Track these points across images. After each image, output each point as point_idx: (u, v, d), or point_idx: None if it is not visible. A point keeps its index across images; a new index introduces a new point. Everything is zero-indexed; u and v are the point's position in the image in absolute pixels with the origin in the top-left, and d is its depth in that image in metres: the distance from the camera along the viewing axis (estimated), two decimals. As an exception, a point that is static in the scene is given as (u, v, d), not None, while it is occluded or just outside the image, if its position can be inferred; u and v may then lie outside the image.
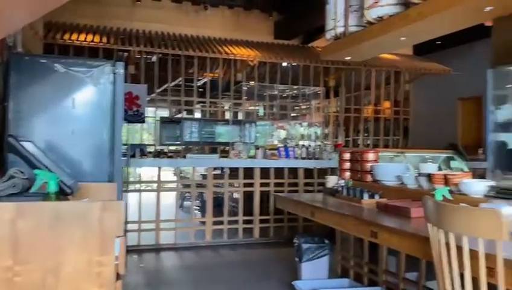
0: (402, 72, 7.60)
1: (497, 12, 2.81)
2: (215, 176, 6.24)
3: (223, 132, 7.38)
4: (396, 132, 7.86)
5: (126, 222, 4.84)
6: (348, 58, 4.45)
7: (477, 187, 2.53)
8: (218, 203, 6.21)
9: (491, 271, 1.62)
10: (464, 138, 8.11)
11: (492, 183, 2.60)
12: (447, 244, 1.74)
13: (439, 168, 4.54)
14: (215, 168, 6.26)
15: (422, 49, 7.88)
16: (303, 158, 6.35)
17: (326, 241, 3.97)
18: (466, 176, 2.78)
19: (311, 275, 3.82)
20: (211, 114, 7.80)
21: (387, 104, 7.89)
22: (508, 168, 4.12)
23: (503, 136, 3.51)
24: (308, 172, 6.30)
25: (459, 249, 1.67)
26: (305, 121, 8.25)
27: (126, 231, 4.74)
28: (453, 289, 1.73)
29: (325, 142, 7.48)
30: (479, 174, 3.89)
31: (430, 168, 3.17)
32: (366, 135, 8.03)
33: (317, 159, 6.39)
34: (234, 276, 4.47)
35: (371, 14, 3.39)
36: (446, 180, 2.77)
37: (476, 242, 1.61)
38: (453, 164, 4.66)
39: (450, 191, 2.65)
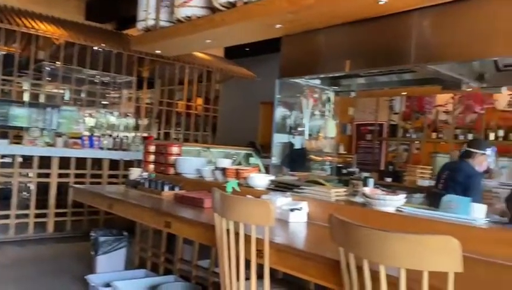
0: (213, 72, 8.01)
1: (285, 30, 3.23)
2: (4, 164, 5.50)
3: (19, 115, 6.55)
4: (206, 128, 8.24)
5: None
6: (158, 51, 4.49)
7: (260, 181, 2.86)
8: (5, 195, 5.49)
9: (260, 253, 1.86)
10: (263, 137, 9.01)
11: (272, 177, 2.98)
12: (228, 231, 1.93)
13: (240, 163, 4.97)
14: (3, 156, 5.51)
15: (233, 53, 8.47)
16: (109, 149, 6.12)
17: (125, 233, 3.93)
18: (254, 170, 3.12)
19: (107, 268, 3.73)
20: (4, 93, 6.83)
21: (199, 101, 8.20)
22: (292, 165, 4.77)
23: (287, 138, 4.02)
24: (115, 164, 6.10)
25: (238, 235, 1.88)
26: (116, 110, 7.94)
27: None
28: (229, 270, 1.93)
29: (137, 133, 7.35)
30: (273, 170, 4.39)
31: (225, 162, 3.45)
32: (178, 129, 8.20)
33: (124, 150, 6.24)
34: (22, 275, 4.03)
35: (180, 13, 3.49)
36: (237, 174, 3.05)
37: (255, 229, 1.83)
38: (251, 160, 5.14)
39: (240, 184, 2.94)
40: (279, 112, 3.91)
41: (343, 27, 3.09)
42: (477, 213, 2.15)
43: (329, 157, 6.87)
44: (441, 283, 1.28)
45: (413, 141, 6.94)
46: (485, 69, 2.87)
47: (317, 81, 3.67)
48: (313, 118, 4.11)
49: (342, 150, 7.41)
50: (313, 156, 6.32)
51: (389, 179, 6.06)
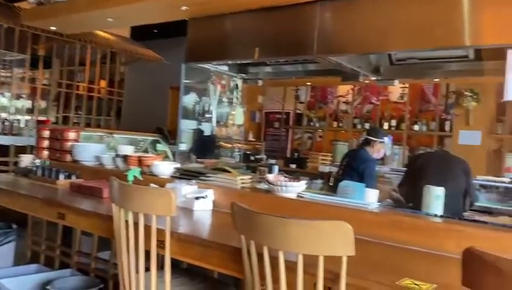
0: (118, 53, 7.59)
1: (192, 12, 3.14)
2: None
3: None
4: (110, 112, 7.83)
5: None
6: (54, 28, 4.12)
7: (165, 169, 2.78)
8: None
9: (161, 244, 1.80)
10: (172, 124, 8.78)
11: (178, 165, 2.91)
12: (127, 222, 1.83)
13: (146, 150, 4.78)
14: None
15: (141, 34, 8.09)
16: (-3, 133, 5.55)
17: (14, 226, 3.59)
18: (157, 158, 3.01)
19: (-7, 265, 3.38)
20: None
21: (102, 84, 7.75)
22: (201, 152, 4.71)
23: (195, 124, 3.94)
24: (4, 149, 5.54)
25: (137, 225, 1.79)
26: (7, 91, 7.20)
27: None
28: (128, 263, 1.84)
29: (33, 117, 6.74)
30: (179, 157, 4.28)
31: (127, 149, 3.29)
32: (78, 113, 7.68)
33: (16, 135, 5.69)
34: None
35: (78, -14, 3.23)
36: (140, 162, 2.93)
37: (156, 219, 1.75)
38: (158, 146, 4.98)
39: (143, 172, 2.82)
40: (186, 97, 3.82)
41: (251, 14, 3.08)
42: (371, 198, 2.30)
43: (239, 145, 6.92)
44: (336, 266, 1.33)
45: (317, 130, 7.27)
46: (381, 62, 3.07)
47: (225, 68, 3.65)
48: (221, 104, 4.08)
49: (251, 137, 7.52)
50: (222, 143, 6.33)
51: (293, 166, 6.28)
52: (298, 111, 7.56)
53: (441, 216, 2.06)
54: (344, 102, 6.89)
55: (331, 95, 6.92)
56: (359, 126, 6.58)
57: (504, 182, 3.83)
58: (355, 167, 3.83)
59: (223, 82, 3.80)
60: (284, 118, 7.63)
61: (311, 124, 7.25)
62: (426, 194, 2.24)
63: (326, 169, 5.53)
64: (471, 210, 3.41)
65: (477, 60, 2.83)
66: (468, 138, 5.34)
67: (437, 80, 4.69)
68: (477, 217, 2.88)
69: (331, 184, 4.34)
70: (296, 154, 7.15)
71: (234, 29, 3.31)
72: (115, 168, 3.12)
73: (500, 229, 1.88)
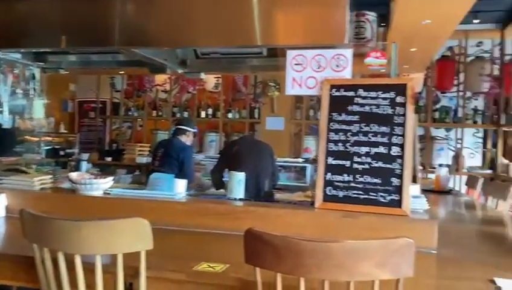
0: None
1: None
2: None
3: None
4: None
5: None
6: None
7: None
8: None
9: None
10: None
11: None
12: None
13: None
14: None
15: None
16: None
17: None
18: None
19: None
20: None
21: None
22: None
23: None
24: None
25: None
26: None
27: None
28: None
29: None
30: None
31: None
32: None
33: None
34: None
35: None
36: None
37: None
38: None
39: None
40: None
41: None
42: (179, 188, 2.39)
43: (49, 138, 6.31)
44: (137, 261, 1.35)
45: (136, 119, 7.12)
46: (187, 56, 3.17)
47: (18, 56, 3.26)
48: (15, 96, 3.64)
49: (63, 129, 6.94)
50: (27, 137, 5.67)
51: (109, 158, 6.05)
52: (115, 100, 7.28)
53: (241, 199, 2.27)
54: (163, 91, 6.89)
55: (148, 84, 6.84)
56: (178, 114, 6.69)
57: (299, 162, 4.41)
58: (175, 156, 3.90)
59: (16, 71, 3.38)
60: (100, 108, 7.25)
61: (130, 113, 7.06)
62: (229, 180, 2.43)
63: (144, 160, 5.48)
64: (275, 189, 3.83)
65: (272, 57, 3.15)
66: (274, 124, 5.94)
67: (240, 74, 5.06)
68: (278, 195, 3.23)
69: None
70: (115, 145, 6.89)
71: (31, 15, 2.97)
72: None
73: (287, 206, 2.18)
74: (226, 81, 6.50)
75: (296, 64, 2.22)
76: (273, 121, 5.94)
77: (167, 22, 2.44)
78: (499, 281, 1.38)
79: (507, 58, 5.73)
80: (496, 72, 5.74)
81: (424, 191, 3.59)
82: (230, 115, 6.54)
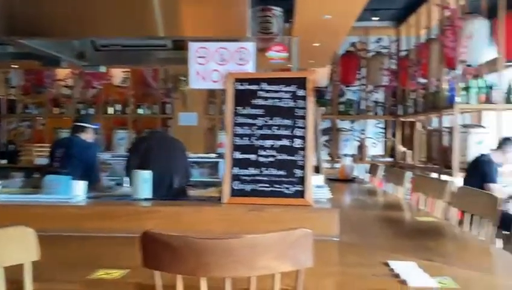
0: None
1: None
2: None
3: None
4: None
5: None
6: None
7: None
8: None
9: None
10: None
11: None
12: None
13: None
14: None
15: None
16: None
17: None
18: None
19: None
20: None
21: None
22: None
23: None
24: None
25: None
26: None
27: None
28: None
29: None
30: None
31: None
32: None
33: None
34: None
35: None
36: None
37: None
38: None
39: None
40: None
41: None
42: (78, 190, 2.22)
43: None
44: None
45: (35, 117, 6.58)
46: (85, 48, 2.96)
47: None
48: None
49: None
50: None
51: (4, 161, 5.53)
52: (11, 97, 6.65)
53: (148, 199, 2.17)
54: (65, 86, 6.44)
55: (49, 79, 6.34)
56: (84, 111, 6.29)
57: (212, 158, 4.37)
58: (77, 155, 3.63)
59: None
60: (-7, 106, 6.59)
61: (28, 111, 6.50)
62: (134, 179, 2.31)
63: (43, 161, 5.07)
64: (188, 185, 3.75)
65: (178, 49, 3.05)
66: (187, 119, 5.82)
67: (148, 68, 4.89)
68: (192, 192, 3.16)
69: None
70: (12, 146, 6.30)
71: None
72: None
73: (194, 203, 2.13)
74: (135, 75, 6.25)
75: (199, 56, 2.17)
76: (186, 117, 5.82)
77: (59, 10, 2.25)
78: (392, 263, 1.45)
79: (402, 53, 6.19)
80: (394, 67, 6.18)
81: (330, 180, 3.75)
82: (140, 111, 6.30)
